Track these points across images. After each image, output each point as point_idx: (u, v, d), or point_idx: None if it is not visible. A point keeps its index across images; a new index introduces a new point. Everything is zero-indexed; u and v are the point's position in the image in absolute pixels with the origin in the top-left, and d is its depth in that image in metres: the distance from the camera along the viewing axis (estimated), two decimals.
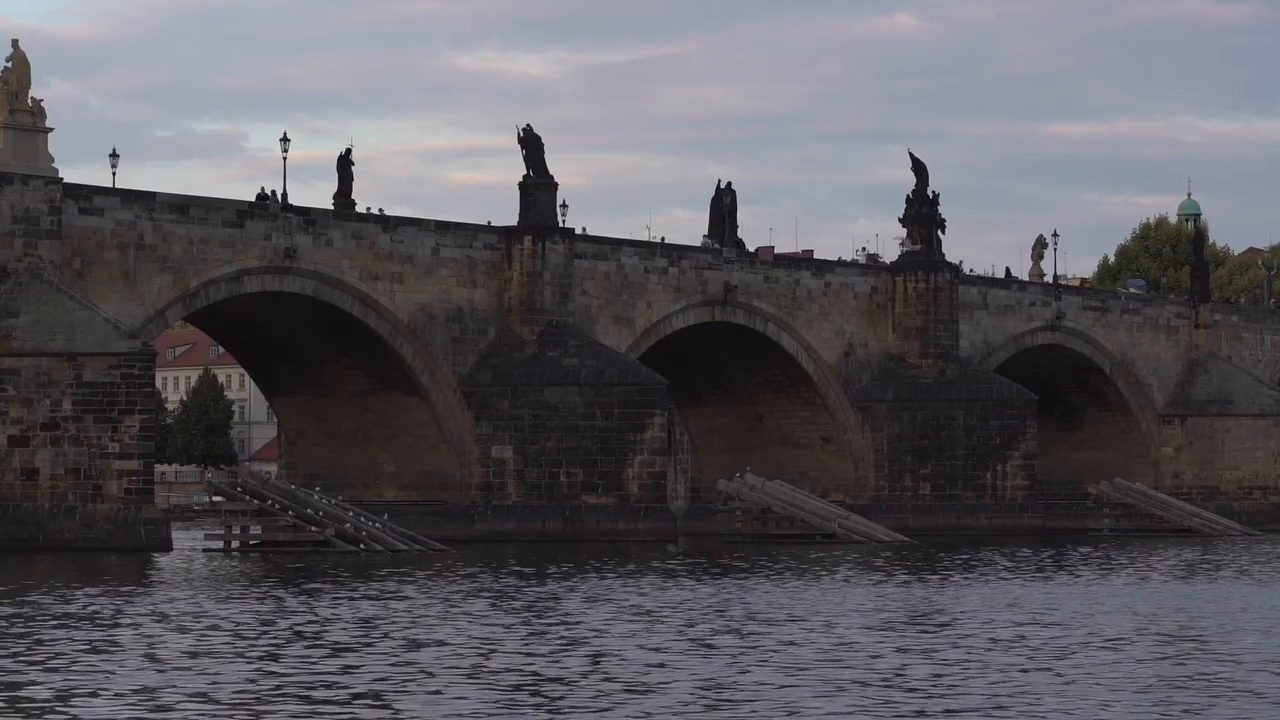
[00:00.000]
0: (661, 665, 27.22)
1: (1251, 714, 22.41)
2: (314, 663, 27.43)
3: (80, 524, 62.65)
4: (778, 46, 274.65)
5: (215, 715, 22.04)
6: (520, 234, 79.73)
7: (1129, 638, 32.09)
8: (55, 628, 33.09)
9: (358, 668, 26.82)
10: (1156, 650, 29.96)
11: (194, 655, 28.47)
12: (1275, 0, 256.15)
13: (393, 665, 27.15)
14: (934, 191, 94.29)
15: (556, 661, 27.70)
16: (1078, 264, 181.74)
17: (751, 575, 51.53)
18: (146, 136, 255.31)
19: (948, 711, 22.50)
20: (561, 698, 23.57)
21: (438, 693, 24.01)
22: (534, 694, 23.96)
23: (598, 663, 27.52)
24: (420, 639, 31.24)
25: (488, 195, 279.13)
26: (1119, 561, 61.19)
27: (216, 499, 75.39)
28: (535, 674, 26.11)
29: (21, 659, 27.70)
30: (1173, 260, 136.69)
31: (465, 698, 23.48)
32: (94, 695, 23.64)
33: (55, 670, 26.26)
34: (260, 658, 28.11)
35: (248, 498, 66.60)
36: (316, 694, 23.84)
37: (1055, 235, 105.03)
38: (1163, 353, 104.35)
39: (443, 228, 79.07)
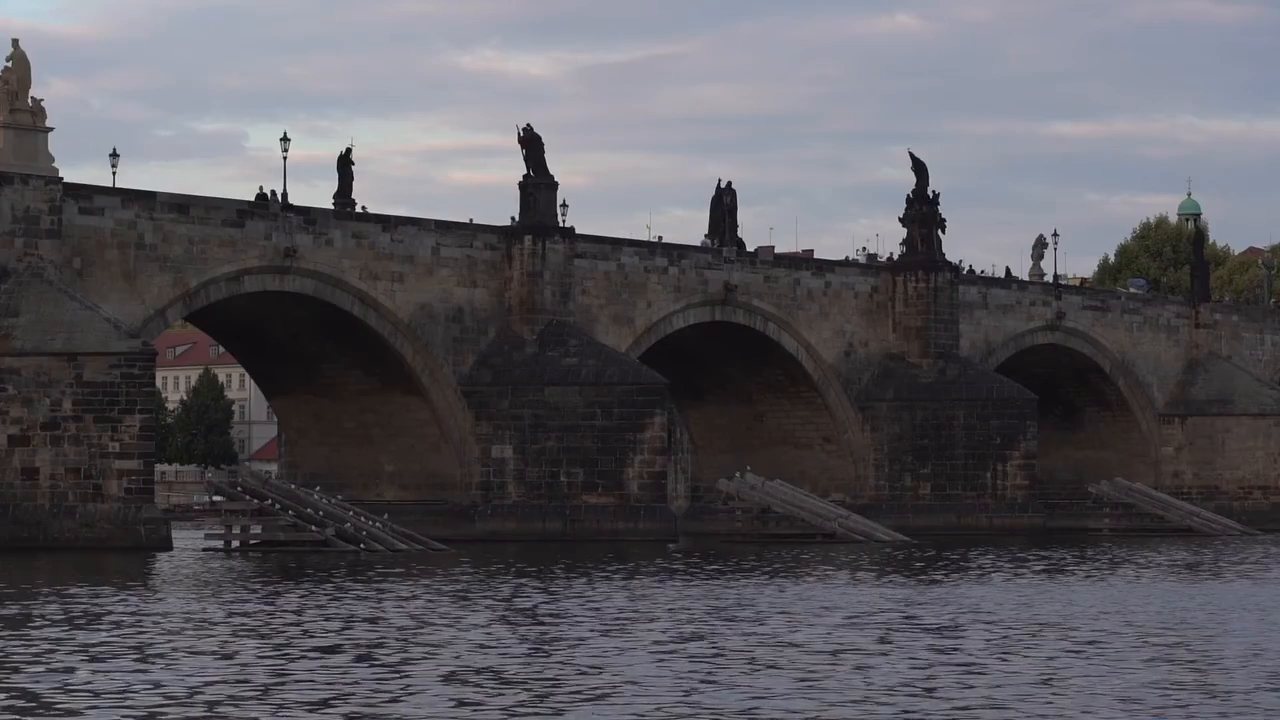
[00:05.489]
0: (653, 665, 27.23)
1: (1245, 713, 22.44)
2: (305, 661, 27.46)
3: (80, 524, 62.66)
4: (778, 46, 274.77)
5: (206, 715, 22.07)
6: (520, 234, 79.76)
7: (1125, 638, 32.12)
8: (50, 628, 33.11)
9: (346, 666, 26.86)
10: (1152, 651, 29.98)
11: (189, 655, 28.50)
12: (1275, 0, 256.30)
13: (381, 664, 27.18)
14: (934, 191, 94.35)
15: (545, 661, 27.72)
16: (1078, 264, 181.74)
17: (750, 575, 51.54)
18: (146, 136, 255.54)
19: (941, 712, 22.53)
20: (548, 698, 23.60)
21: (420, 692, 24.04)
22: (519, 695, 23.99)
23: (583, 662, 27.54)
24: (411, 639, 31.26)
25: (488, 195, 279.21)
26: (1118, 561, 61.19)
27: (217, 498, 75.41)
28: (520, 674, 26.14)
29: (17, 659, 27.73)
30: (1173, 260, 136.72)
31: (450, 699, 23.51)
32: (87, 695, 23.67)
33: (50, 671, 26.29)
34: (254, 657, 28.14)
35: (248, 497, 66.65)
36: (306, 693, 23.88)
37: (1055, 235, 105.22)
38: (1163, 352, 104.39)
39: (443, 227, 79.11)
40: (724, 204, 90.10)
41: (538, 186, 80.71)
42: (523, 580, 48.49)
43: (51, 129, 67.72)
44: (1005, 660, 28.14)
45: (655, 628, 33.54)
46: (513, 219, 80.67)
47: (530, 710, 22.50)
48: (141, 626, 33.47)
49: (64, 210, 67.05)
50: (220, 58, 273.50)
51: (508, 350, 78.67)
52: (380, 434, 79.39)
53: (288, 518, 65.87)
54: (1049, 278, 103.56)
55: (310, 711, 22.33)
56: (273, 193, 75.03)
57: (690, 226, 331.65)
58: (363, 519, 66.90)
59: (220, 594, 42.87)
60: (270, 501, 66.11)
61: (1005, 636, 32.11)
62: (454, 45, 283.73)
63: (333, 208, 77.73)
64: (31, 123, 67.13)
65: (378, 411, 78.96)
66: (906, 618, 36.23)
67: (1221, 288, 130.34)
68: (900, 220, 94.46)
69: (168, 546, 63.85)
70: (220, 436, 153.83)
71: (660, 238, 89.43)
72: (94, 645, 29.80)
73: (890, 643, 30.84)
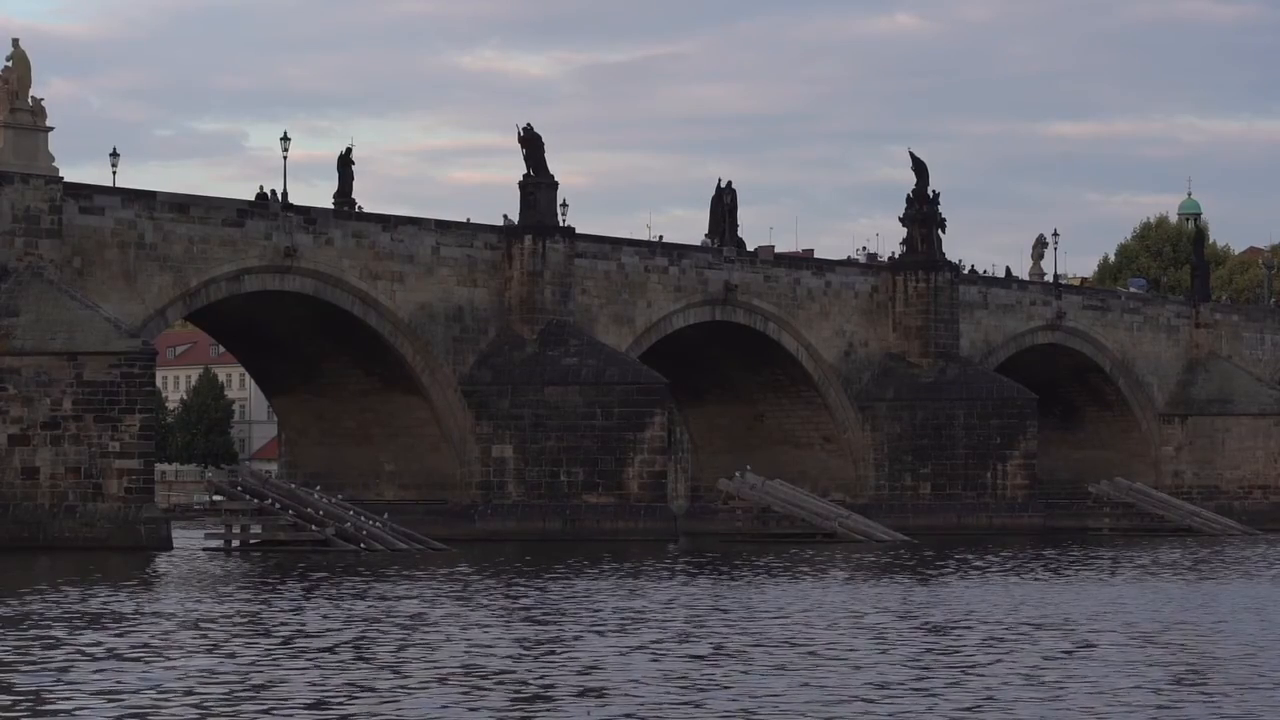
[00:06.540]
0: (652, 664, 27.23)
1: (1244, 712, 22.43)
2: (303, 661, 27.48)
3: (80, 523, 62.66)
4: (778, 46, 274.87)
5: (204, 714, 22.07)
6: (520, 233, 79.75)
7: (1125, 638, 32.12)
8: (49, 627, 33.12)
9: (345, 665, 26.87)
10: (1152, 651, 29.99)
11: (187, 654, 28.50)
12: (1275, 0, 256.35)
13: (380, 664, 27.18)
14: (934, 191, 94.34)
15: (544, 661, 27.72)
16: (1078, 264, 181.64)
17: (750, 575, 51.53)
18: (147, 136, 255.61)
19: (940, 712, 22.53)
20: (547, 698, 23.60)
21: (419, 692, 24.04)
22: (518, 694, 23.99)
23: (583, 662, 27.55)
24: (407, 639, 31.26)
25: (488, 195, 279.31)
26: (1118, 561, 61.18)
27: (217, 498, 75.42)
28: (519, 674, 26.15)
29: (16, 659, 27.74)
30: (1173, 260, 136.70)
31: (450, 698, 23.51)
32: (85, 694, 23.68)
33: (48, 670, 26.29)
34: (253, 656, 28.15)
35: (248, 497, 66.64)
36: (305, 693, 23.88)
37: (1055, 235, 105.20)
38: (1163, 352, 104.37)
39: (443, 227, 79.10)
40: (724, 204, 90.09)
41: (538, 186, 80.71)
42: (522, 580, 48.48)
43: (51, 129, 67.74)
44: (1004, 660, 28.14)
45: (654, 627, 33.55)
46: (505, 216, 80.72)
47: (529, 710, 22.51)
48: (140, 626, 33.47)
49: (64, 210, 67.05)
50: (220, 58, 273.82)
51: (508, 350, 78.67)
52: (380, 434, 79.39)
53: (288, 517, 65.87)
54: (1049, 278, 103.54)
55: (309, 711, 22.34)
56: (273, 192, 75.05)
57: (690, 226, 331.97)
58: (363, 519, 66.90)
59: (219, 593, 42.87)
60: (270, 501, 66.12)
61: (1004, 637, 32.10)
62: (454, 45, 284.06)
63: (333, 207, 77.74)
64: (31, 122, 67.13)
65: (378, 411, 78.97)
66: (904, 617, 36.23)
67: (1221, 288, 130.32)
68: (900, 220, 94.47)
69: (168, 546, 63.85)
70: (220, 436, 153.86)
71: (660, 237, 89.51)
72: (92, 645, 29.80)
73: (888, 643, 30.84)
